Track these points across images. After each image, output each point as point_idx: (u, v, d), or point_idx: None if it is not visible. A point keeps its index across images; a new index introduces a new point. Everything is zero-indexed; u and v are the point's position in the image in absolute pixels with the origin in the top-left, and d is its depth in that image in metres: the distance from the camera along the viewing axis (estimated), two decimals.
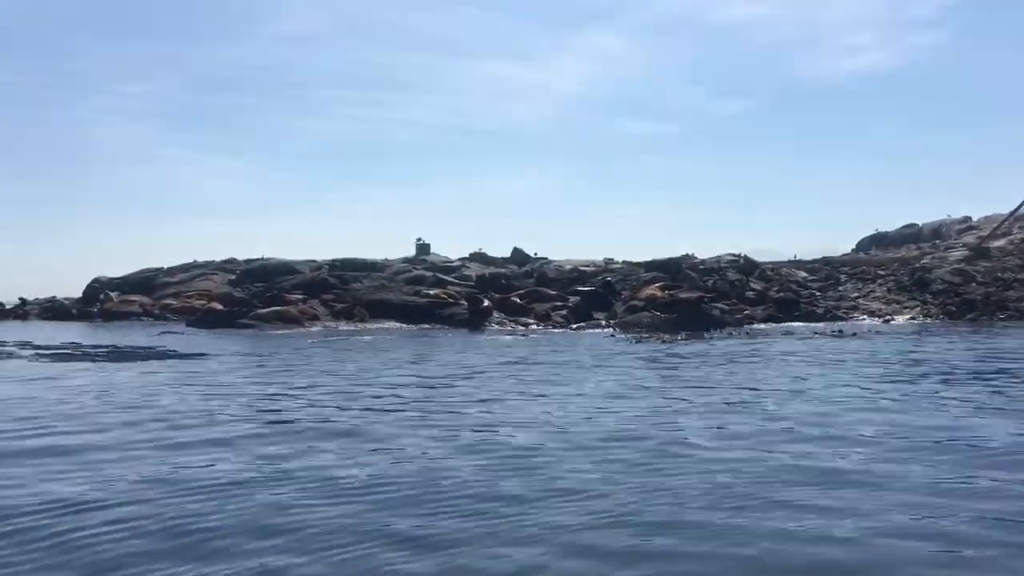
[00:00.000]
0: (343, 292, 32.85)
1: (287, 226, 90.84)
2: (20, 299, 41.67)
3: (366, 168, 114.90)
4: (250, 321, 28.59)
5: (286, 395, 10.99)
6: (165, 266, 45.16)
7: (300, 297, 31.84)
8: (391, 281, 34.79)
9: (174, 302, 37.72)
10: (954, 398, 10.30)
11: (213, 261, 45.05)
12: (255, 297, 32.09)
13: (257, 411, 9.61)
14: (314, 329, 28.46)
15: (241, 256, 44.48)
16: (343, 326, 29.51)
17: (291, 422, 8.77)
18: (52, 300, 41.69)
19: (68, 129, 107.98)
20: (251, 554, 4.50)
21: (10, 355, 17.93)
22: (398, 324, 30.03)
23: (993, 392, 10.84)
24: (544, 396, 10.79)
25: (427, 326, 29.42)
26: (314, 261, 40.08)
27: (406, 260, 40.26)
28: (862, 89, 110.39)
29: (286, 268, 37.64)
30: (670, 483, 5.99)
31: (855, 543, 4.62)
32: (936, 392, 10.95)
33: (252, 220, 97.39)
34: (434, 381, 12.65)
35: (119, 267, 58.45)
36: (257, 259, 41.56)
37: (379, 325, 29.65)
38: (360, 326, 29.49)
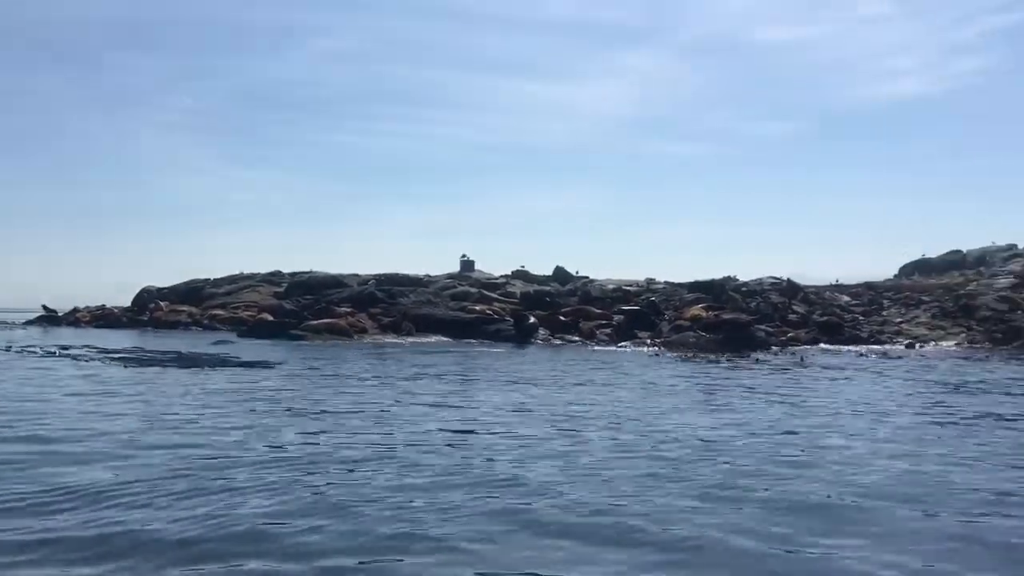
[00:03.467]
0: (390, 306, 33.44)
1: (329, 240, 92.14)
2: (74, 307, 42.87)
3: (407, 184, 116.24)
4: (301, 332, 29.20)
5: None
6: (211, 277, 46.27)
7: (348, 310, 32.46)
8: (436, 296, 35.38)
9: (222, 312, 38.62)
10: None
11: (258, 273, 46.00)
12: (304, 309, 32.74)
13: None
14: (364, 341, 29.01)
15: (286, 269, 45.45)
16: (391, 339, 30.06)
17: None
18: (102, 308, 42.80)
19: (112, 140, 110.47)
20: None
21: (83, 358, 18.63)
22: (444, 338, 30.51)
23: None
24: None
25: (472, 341, 29.84)
26: (358, 275, 40.82)
27: (451, 276, 40.86)
28: (903, 114, 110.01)
29: (333, 281, 38.38)
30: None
31: None
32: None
33: (295, 233, 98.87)
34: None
35: (165, 277, 59.79)
36: (304, 272, 42.39)
37: (426, 339, 30.14)
38: (408, 340, 30.03)
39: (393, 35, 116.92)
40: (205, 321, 37.49)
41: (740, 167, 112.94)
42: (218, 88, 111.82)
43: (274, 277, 44.53)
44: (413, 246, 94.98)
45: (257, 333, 30.16)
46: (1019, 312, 31.26)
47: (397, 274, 40.19)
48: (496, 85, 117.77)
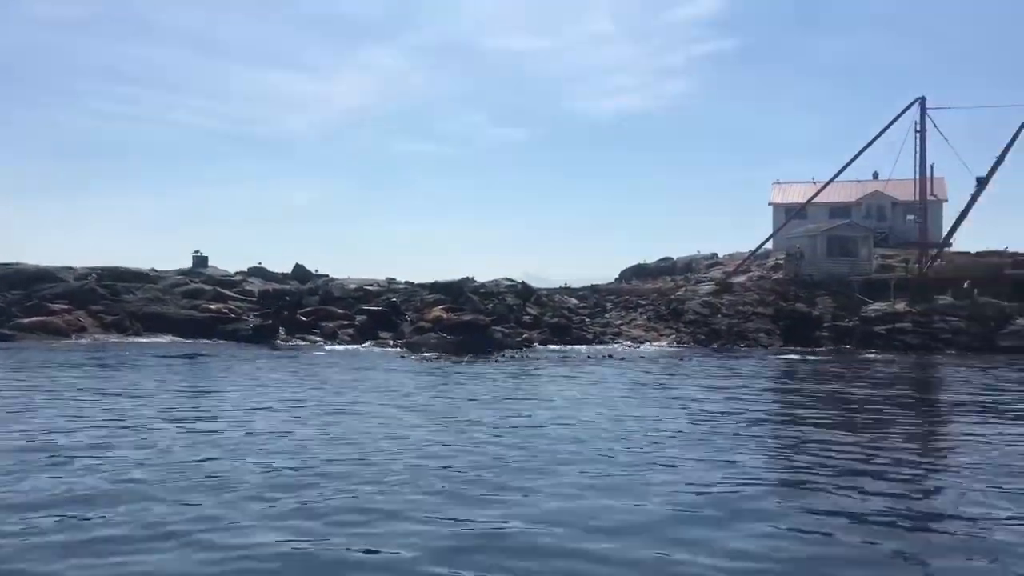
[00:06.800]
0: (113, 303, 31.03)
1: (37, 228, 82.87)
2: None
3: (131, 170, 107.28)
4: (8, 332, 26.36)
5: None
6: None
7: (64, 307, 29.72)
8: (167, 293, 33.26)
9: None
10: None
11: None
12: (12, 305, 29.50)
13: None
14: (82, 341, 26.78)
15: None
16: (114, 339, 27.98)
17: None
18: None
19: None
20: None
21: None
22: (175, 338, 28.86)
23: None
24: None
25: (207, 341, 28.51)
26: (74, 269, 37.32)
27: (182, 272, 38.50)
28: (625, 128, 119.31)
29: (45, 275, 34.75)
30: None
31: None
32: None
33: None
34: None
35: None
36: (8, 264, 38.01)
37: (155, 339, 28.36)
38: (133, 339, 28.09)
39: (124, 8, 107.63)
40: None
41: (476, 169, 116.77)
42: None
43: None
44: (137, 239, 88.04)
45: None
46: (719, 316, 35.22)
47: (120, 268, 37.16)
48: (234, 72, 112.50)
